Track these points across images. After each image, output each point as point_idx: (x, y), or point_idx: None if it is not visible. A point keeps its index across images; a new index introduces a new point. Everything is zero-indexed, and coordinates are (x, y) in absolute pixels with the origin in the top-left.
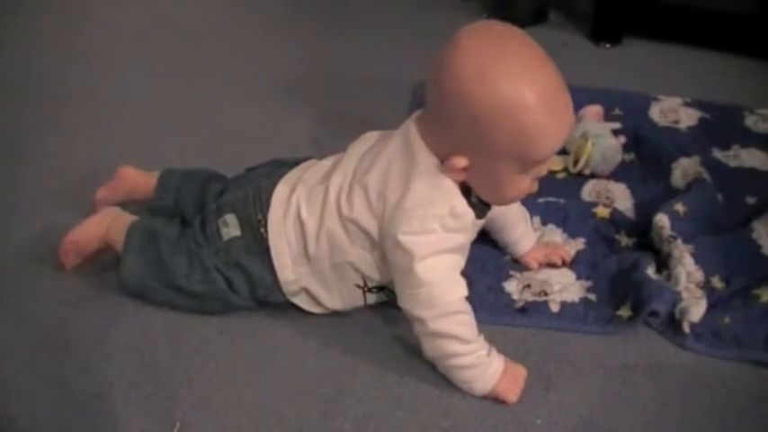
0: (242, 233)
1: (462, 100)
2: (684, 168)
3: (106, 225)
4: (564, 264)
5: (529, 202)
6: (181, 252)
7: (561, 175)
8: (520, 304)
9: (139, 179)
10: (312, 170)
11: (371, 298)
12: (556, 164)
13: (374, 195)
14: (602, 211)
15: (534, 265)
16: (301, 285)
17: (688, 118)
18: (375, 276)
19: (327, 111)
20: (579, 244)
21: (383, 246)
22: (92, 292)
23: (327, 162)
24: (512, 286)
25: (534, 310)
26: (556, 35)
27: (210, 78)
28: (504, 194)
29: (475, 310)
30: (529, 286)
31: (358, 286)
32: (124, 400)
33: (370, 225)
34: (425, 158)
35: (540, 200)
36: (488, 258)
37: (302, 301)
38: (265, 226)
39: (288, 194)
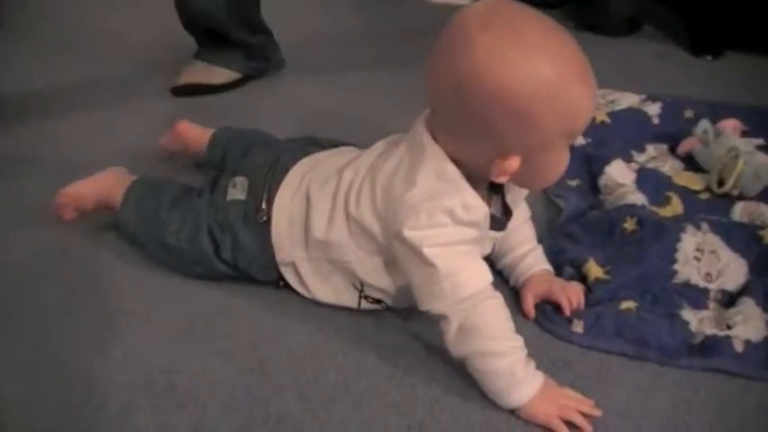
0: (246, 198)
1: (496, 100)
2: None
3: (107, 184)
4: (571, 311)
5: (690, 216)
6: (178, 207)
7: (704, 196)
8: (699, 339)
9: (194, 134)
10: (335, 159)
11: (365, 305)
12: (696, 183)
13: (380, 192)
14: None
15: (529, 300)
16: (297, 270)
17: None
18: (370, 281)
19: None
20: (743, 267)
21: (393, 250)
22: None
23: (352, 155)
24: (689, 314)
25: (716, 347)
26: (653, 47)
27: None
28: (553, 175)
29: (647, 346)
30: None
31: (354, 287)
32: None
33: (373, 226)
34: (435, 154)
35: (699, 215)
36: (654, 280)
37: (294, 282)
38: (270, 201)
39: (302, 175)
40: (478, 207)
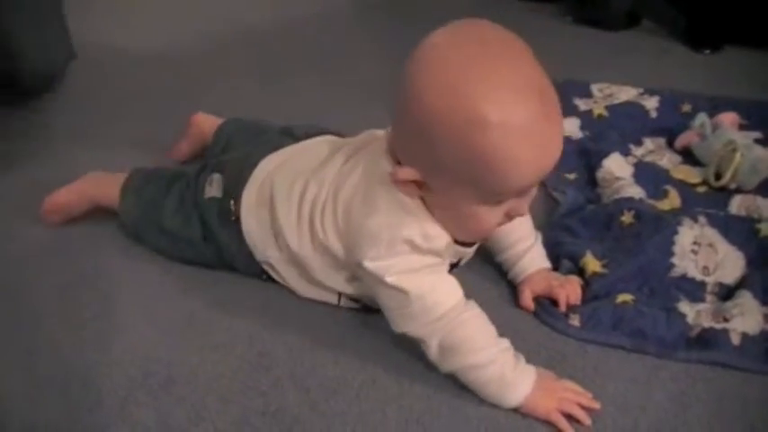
0: (222, 196)
1: (411, 104)
2: None
3: (91, 185)
4: (567, 306)
5: (688, 210)
6: (175, 188)
7: (702, 189)
8: (696, 331)
9: (208, 125)
10: (302, 156)
11: (345, 302)
12: (694, 176)
13: (341, 213)
14: (765, 229)
15: (527, 296)
16: (273, 267)
17: None
18: (346, 291)
19: None
20: (740, 260)
21: (356, 272)
22: None
23: (321, 156)
24: (686, 307)
25: (713, 340)
26: (652, 41)
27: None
28: (463, 227)
29: (644, 338)
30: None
31: (333, 290)
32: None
33: (337, 249)
34: (388, 174)
35: (696, 208)
36: (652, 274)
37: (273, 274)
38: (237, 200)
39: (267, 173)
40: (439, 236)
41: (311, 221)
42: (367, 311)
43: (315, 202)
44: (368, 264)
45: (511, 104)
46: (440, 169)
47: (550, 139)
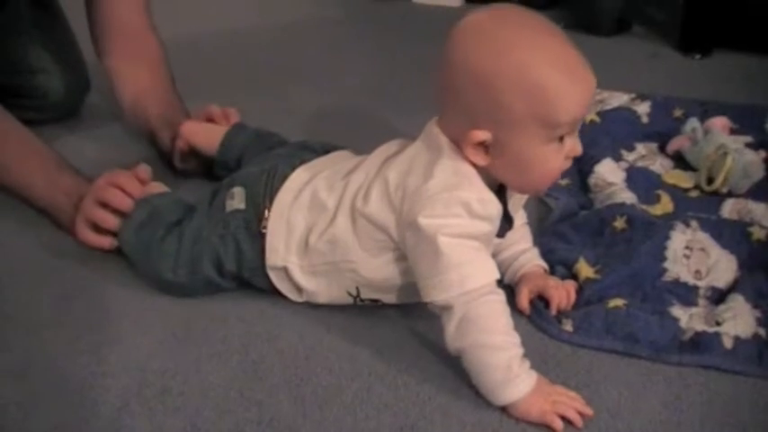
0: (246, 207)
1: (469, 69)
2: None
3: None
4: (559, 311)
5: (680, 214)
6: (172, 236)
7: (694, 194)
8: (689, 335)
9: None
10: (339, 165)
11: (362, 305)
12: (686, 181)
13: (393, 187)
14: (757, 233)
15: (525, 296)
16: (289, 274)
17: None
18: (375, 280)
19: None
20: (732, 264)
21: (402, 240)
22: None
23: (356, 159)
24: (678, 311)
25: (706, 344)
26: (643, 46)
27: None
28: (534, 172)
29: (637, 342)
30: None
31: (350, 294)
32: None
33: (386, 217)
34: (449, 148)
35: (688, 213)
36: (644, 278)
37: (283, 287)
38: (269, 208)
39: (305, 181)
40: (493, 202)
41: (353, 202)
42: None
43: (360, 187)
44: (422, 220)
45: (554, 48)
46: (508, 119)
47: (589, 77)
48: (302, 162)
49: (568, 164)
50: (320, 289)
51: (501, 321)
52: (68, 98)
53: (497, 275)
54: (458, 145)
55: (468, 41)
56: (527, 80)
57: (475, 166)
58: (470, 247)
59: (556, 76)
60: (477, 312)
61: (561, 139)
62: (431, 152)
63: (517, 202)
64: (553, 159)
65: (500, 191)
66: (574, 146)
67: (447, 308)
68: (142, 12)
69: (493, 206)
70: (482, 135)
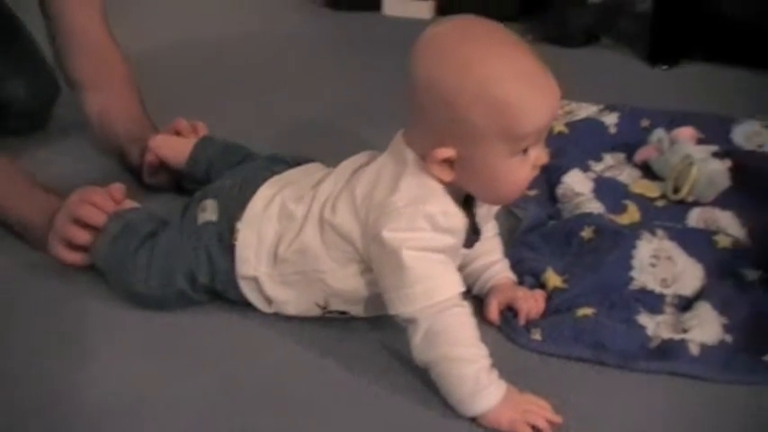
0: (218, 219)
1: (432, 86)
2: None
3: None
4: (528, 320)
5: (647, 222)
6: (144, 249)
7: (661, 203)
8: (656, 343)
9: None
10: (309, 176)
11: (330, 317)
12: (653, 191)
13: (360, 199)
14: (723, 241)
15: (494, 308)
16: (258, 284)
17: None
18: (343, 291)
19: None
20: (699, 272)
21: (368, 253)
22: None
23: (325, 171)
24: (645, 319)
25: (673, 351)
26: (609, 57)
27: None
28: (500, 185)
29: (605, 350)
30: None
31: (318, 306)
32: None
33: (352, 229)
34: (414, 162)
35: (655, 222)
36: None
37: (254, 297)
38: (241, 219)
39: (275, 192)
40: (457, 215)
41: (321, 212)
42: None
43: (328, 197)
44: (386, 234)
45: (515, 60)
46: (472, 134)
47: (550, 83)
48: (273, 174)
49: (536, 173)
50: (289, 299)
51: (467, 334)
52: (34, 107)
53: (462, 288)
54: (424, 159)
55: (429, 58)
56: (490, 95)
57: (440, 179)
58: (435, 261)
59: (519, 89)
60: (443, 325)
61: (526, 150)
62: (397, 165)
63: (486, 214)
64: (519, 171)
65: (468, 202)
66: (540, 155)
67: (412, 321)
68: (101, 25)
69: (457, 219)
70: (446, 152)
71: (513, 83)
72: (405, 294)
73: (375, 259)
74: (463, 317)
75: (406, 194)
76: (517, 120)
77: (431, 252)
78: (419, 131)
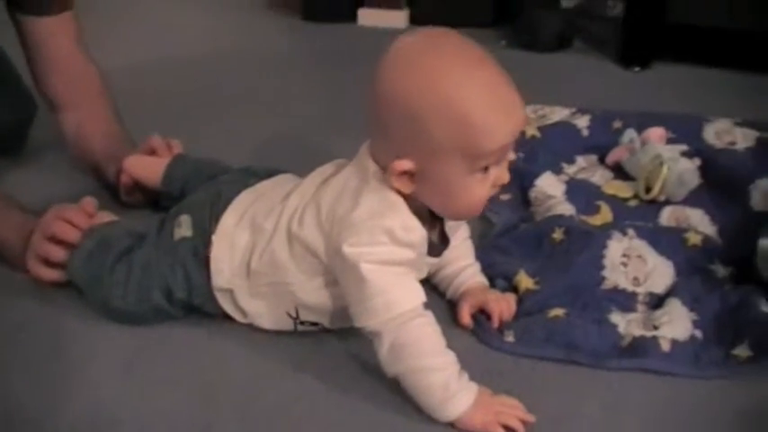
0: (193, 234)
1: (395, 98)
2: (765, 190)
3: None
4: (501, 323)
5: (619, 222)
6: (121, 265)
7: (633, 203)
8: (627, 341)
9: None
10: (280, 188)
11: (301, 329)
12: (624, 191)
13: (325, 213)
14: (693, 238)
15: (466, 313)
16: (233, 296)
17: (744, 139)
18: (311, 303)
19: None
20: (669, 269)
21: (332, 266)
22: None
23: (292, 183)
24: (617, 317)
25: (644, 348)
26: (582, 61)
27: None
28: (457, 201)
29: (577, 349)
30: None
31: (289, 315)
32: None
33: (317, 243)
34: (376, 175)
35: (627, 221)
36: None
37: (229, 308)
38: (215, 232)
39: (248, 204)
40: (417, 229)
41: (289, 224)
42: (312, 338)
43: (295, 210)
44: (346, 248)
45: (480, 77)
46: (432, 149)
47: (516, 103)
48: (246, 186)
49: (495, 191)
50: (262, 311)
51: (432, 343)
52: (12, 127)
53: (423, 298)
54: (385, 170)
55: (394, 70)
56: (453, 112)
57: (401, 192)
58: (394, 273)
59: (482, 108)
60: (407, 338)
61: (486, 168)
62: (359, 178)
63: (456, 224)
64: (478, 189)
65: (435, 214)
66: (500, 175)
67: (377, 334)
68: (76, 42)
69: (417, 233)
70: (406, 165)
71: (477, 100)
72: (366, 308)
73: (338, 273)
74: (426, 327)
75: (367, 209)
76: (478, 138)
77: (390, 265)
78: (380, 143)
